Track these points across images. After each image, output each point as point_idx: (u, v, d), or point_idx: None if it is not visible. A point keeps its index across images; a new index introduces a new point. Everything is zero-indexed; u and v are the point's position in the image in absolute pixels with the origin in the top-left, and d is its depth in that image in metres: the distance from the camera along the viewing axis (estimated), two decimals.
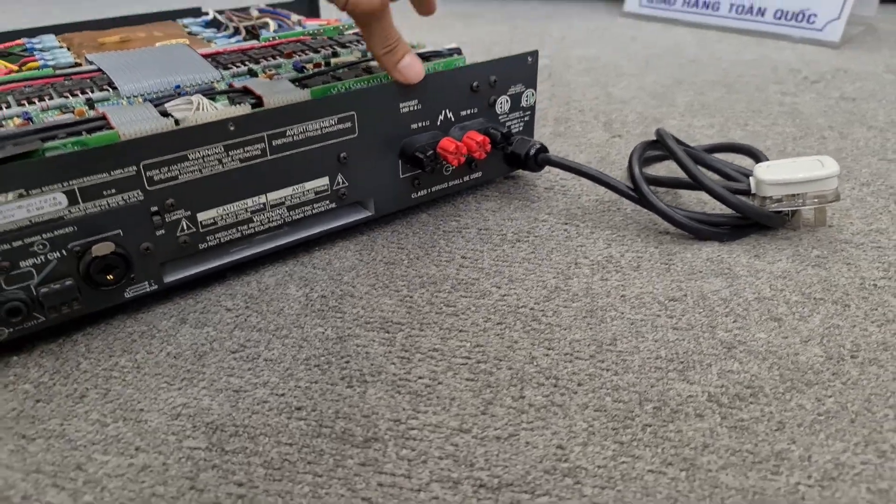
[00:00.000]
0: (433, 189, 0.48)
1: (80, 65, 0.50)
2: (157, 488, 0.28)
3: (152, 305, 0.39)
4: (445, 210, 0.49)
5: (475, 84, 0.46)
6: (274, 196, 0.40)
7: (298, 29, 0.57)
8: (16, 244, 0.32)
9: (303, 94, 0.40)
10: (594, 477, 0.28)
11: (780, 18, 0.92)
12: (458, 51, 0.49)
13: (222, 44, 0.56)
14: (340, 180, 0.43)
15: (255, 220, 0.40)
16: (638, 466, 0.29)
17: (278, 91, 0.40)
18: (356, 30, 0.57)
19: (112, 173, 0.34)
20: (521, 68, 0.48)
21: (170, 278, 0.39)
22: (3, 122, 0.38)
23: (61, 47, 0.54)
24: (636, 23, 1.05)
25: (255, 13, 0.64)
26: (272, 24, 0.59)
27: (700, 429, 0.30)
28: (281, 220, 0.41)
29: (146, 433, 0.31)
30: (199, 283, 0.41)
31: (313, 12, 0.74)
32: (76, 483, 0.28)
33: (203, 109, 0.38)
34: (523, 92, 0.49)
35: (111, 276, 0.35)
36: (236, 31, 0.60)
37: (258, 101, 0.40)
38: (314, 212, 0.43)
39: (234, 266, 0.41)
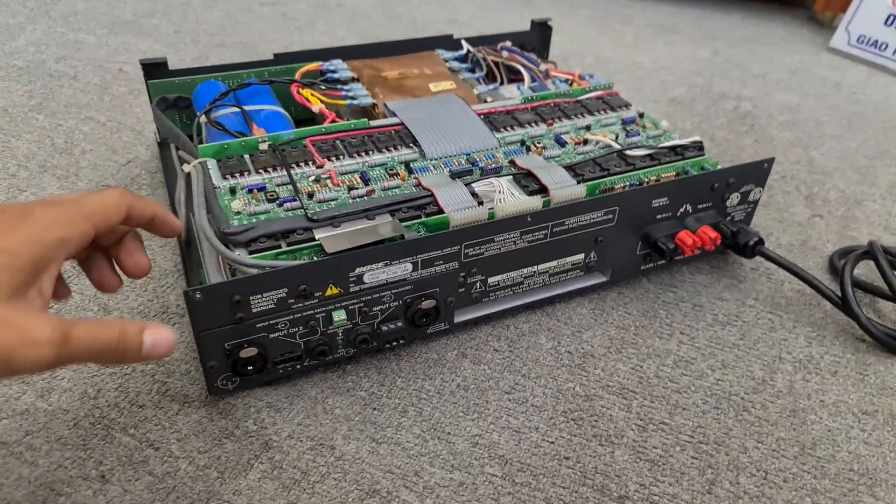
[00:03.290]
0: (659, 262, 0.56)
1: (376, 105, 0.61)
2: (473, 502, 0.40)
3: (438, 337, 0.51)
4: (663, 278, 0.58)
5: (716, 185, 0.53)
6: (543, 266, 0.50)
7: (552, 88, 0.66)
8: (374, 296, 0.44)
9: (580, 191, 0.49)
10: None
11: None
12: (699, 145, 0.56)
13: (483, 90, 0.66)
14: (593, 256, 0.52)
15: (525, 282, 0.51)
16: None
17: (559, 184, 0.49)
18: (598, 93, 0.65)
19: (444, 250, 0.45)
20: (757, 172, 0.54)
21: (457, 319, 0.50)
22: (349, 177, 0.50)
23: (355, 79, 0.66)
24: (842, 63, 1.05)
25: (504, 53, 0.72)
26: (526, 76, 0.68)
27: None
28: (542, 283, 0.52)
29: (456, 454, 0.42)
30: (470, 323, 0.52)
31: (544, 42, 0.81)
32: (419, 487, 0.40)
33: (502, 193, 0.48)
34: (752, 189, 0.56)
35: (425, 320, 0.47)
36: (489, 72, 0.70)
37: (543, 190, 0.49)
38: (566, 278, 0.52)
39: (498, 312, 0.52)
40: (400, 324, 0.46)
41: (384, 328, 0.46)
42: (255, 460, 0.41)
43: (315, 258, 0.43)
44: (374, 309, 0.45)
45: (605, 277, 0.55)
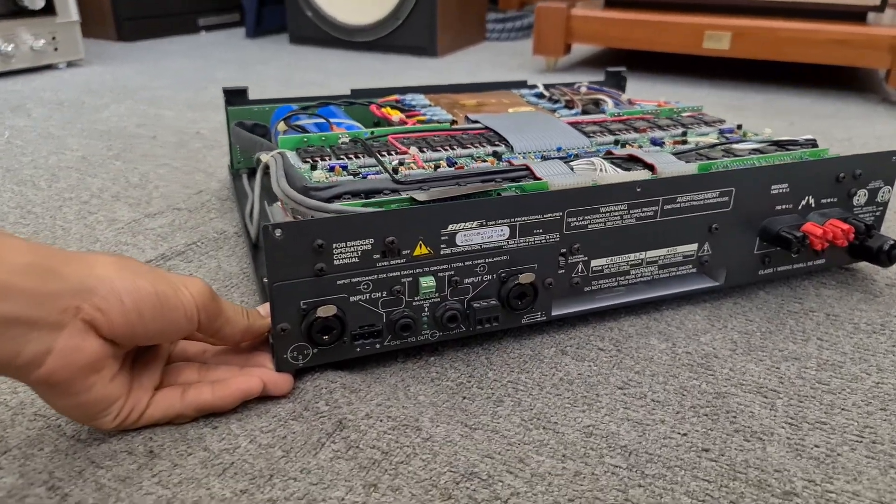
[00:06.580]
0: (779, 269, 0.49)
1: (456, 122, 0.59)
2: (595, 493, 0.31)
3: (532, 334, 0.44)
4: (783, 291, 0.50)
5: (841, 175, 0.47)
6: (651, 254, 0.44)
7: (638, 108, 0.63)
8: (467, 263, 0.39)
9: (691, 168, 0.44)
10: None
11: None
12: (813, 142, 0.51)
13: (567, 114, 0.63)
14: (706, 248, 0.46)
15: (631, 272, 0.44)
16: None
17: (667, 162, 0.45)
18: (691, 112, 0.62)
19: (544, 216, 0.40)
20: (885, 165, 0.49)
21: (556, 312, 0.44)
22: (436, 163, 0.46)
23: (433, 105, 0.64)
24: None
25: (583, 89, 0.71)
26: (609, 101, 0.65)
27: None
28: (650, 276, 0.45)
29: (567, 444, 0.35)
30: (567, 321, 0.46)
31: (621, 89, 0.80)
32: (525, 474, 0.33)
33: (604, 171, 0.44)
34: (881, 188, 0.49)
35: (521, 302, 0.41)
36: (568, 105, 0.67)
37: (650, 169, 0.45)
38: (676, 273, 0.46)
39: (596, 311, 0.46)
40: (493, 301, 0.40)
41: (476, 305, 0.40)
42: (326, 439, 0.34)
43: None
44: (466, 281, 0.39)
45: (718, 282, 0.48)
